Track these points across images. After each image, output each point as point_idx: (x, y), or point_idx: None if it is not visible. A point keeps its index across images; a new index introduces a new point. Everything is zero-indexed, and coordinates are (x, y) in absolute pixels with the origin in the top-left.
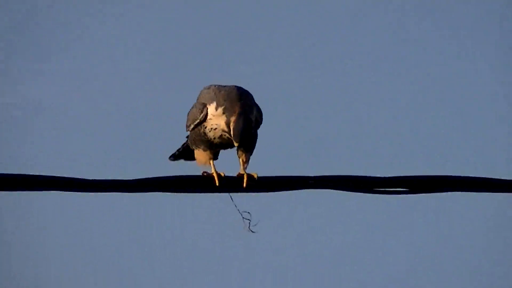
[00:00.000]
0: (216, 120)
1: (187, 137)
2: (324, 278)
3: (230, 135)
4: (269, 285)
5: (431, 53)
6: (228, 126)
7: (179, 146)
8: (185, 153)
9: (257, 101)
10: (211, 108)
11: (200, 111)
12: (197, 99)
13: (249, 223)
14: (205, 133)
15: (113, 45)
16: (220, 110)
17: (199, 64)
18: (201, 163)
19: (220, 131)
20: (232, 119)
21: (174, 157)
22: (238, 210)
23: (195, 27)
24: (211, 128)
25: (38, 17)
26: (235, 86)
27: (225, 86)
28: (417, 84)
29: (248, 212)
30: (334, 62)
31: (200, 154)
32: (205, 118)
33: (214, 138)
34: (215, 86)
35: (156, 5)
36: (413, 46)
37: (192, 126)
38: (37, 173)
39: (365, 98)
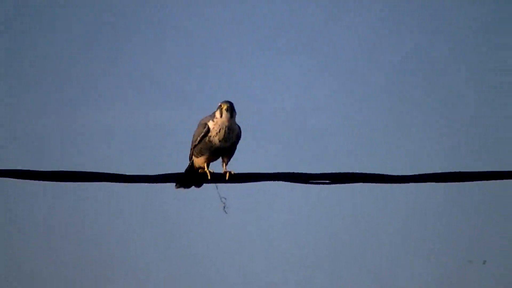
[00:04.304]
0: (216, 124)
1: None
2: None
3: (222, 111)
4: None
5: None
6: (221, 111)
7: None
8: (187, 181)
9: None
10: (210, 123)
11: (202, 126)
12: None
13: (224, 206)
14: (210, 141)
15: None
16: (215, 119)
17: None
18: (198, 165)
19: (223, 128)
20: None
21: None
22: (219, 195)
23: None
24: (217, 133)
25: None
26: None
27: None
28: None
29: (225, 198)
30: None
31: (199, 160)
32: (208, 131)
33: (220, 141)
34: None
35: None
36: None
37: (198, 139)
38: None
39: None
